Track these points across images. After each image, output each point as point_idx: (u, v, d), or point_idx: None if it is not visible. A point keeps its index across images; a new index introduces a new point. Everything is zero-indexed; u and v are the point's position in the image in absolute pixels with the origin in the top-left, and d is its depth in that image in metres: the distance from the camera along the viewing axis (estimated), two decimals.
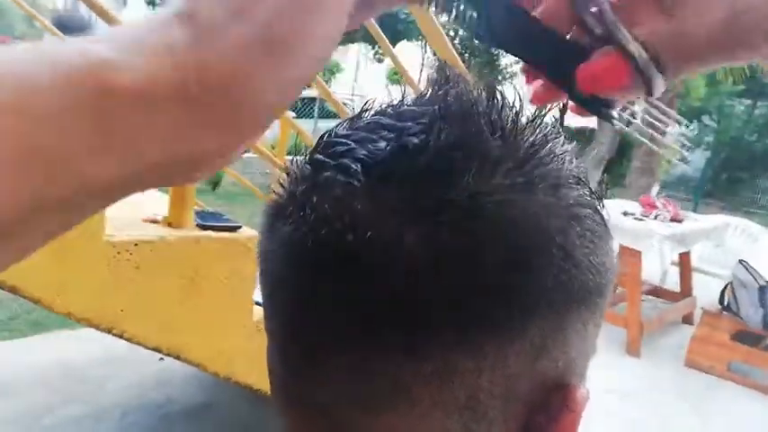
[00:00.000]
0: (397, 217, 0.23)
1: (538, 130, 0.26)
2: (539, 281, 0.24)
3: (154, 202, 1.57)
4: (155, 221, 1.47)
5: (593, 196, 0.27)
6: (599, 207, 0.27)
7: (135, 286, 1.33)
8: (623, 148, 9.45)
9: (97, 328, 1.29)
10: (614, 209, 4.11)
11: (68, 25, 3.78)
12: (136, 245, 1.33)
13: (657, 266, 4.26)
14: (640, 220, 3.81)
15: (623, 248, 3.71)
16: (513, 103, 0.27)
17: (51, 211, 0.17)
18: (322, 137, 0.27)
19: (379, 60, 13.52)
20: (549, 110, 0.28)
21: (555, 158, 0.26)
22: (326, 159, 0.26)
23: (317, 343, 0.26)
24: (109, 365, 2.70)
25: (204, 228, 1.49)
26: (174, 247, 1.38)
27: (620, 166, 10.08)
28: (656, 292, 4.50)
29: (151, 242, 1.35)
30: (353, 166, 0.24)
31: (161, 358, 2.54)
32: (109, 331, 1.29)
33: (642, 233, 3.56)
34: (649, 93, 0.25)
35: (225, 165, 0.20)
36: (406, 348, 0.24)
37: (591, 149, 8.44)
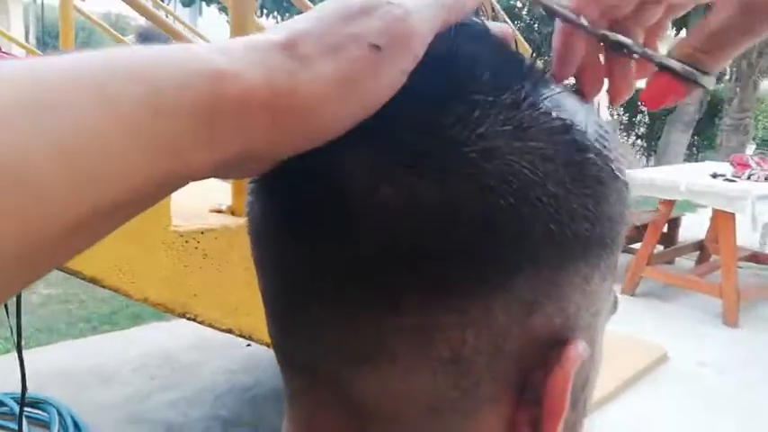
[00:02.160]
0: (373, 169, 0.23)
1: (530, 73, 0.25)
2: (524, 234, 0.23)
3: (218, 193, 1.64)
4: (219, 211, 1.55)
5: (599, 140, 0.25)
6: (604, 150, 0.25)
7: (204, 272, 1.40)
8: (713, 108, 8.81)
9: (172, 312, 1.37)
10: (702, 171, 3.85)
11: (151, 38, 3.98)
12: (202, 233, 1.40)
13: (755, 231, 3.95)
14: (731, 181, 3.54)
15: (715, 212, 3.48)
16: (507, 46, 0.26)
17: (155, 190, 0.20)
18: None
19: None
20: (538, 56, 0.28)
21: (549, 101, 0.25)
22: None
23: (300, 301, 0.26)
24: (200, 353, 2.88)
25: None
26: (237, 234, 1.45)
27: (710, 126, 9.40)
28: (755, 257, 4.17)
29: (215, 230, 1.42)
30: None
31: (248, 344, 2.68)
32: (183, 315, 1.38)
33: (734, 194, 3.30)
34: (703, 87, 0.28)
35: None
36: (384, 303, 0.24)
37: (679, 111, 7.93)
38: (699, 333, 3.29)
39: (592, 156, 0.25)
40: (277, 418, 0.29)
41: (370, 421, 0.26)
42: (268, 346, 1.58)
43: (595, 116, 0.27)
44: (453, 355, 0.24)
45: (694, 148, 9.70)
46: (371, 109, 0.23)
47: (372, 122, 0.23)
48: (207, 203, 1.60)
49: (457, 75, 0.24)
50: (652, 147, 10.14)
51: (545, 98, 0.25)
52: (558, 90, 0.26)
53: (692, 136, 8.56)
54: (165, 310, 1.36)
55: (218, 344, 2.83)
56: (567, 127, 0.24)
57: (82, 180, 0.17)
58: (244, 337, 1.51)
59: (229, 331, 1.48)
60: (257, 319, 1.51)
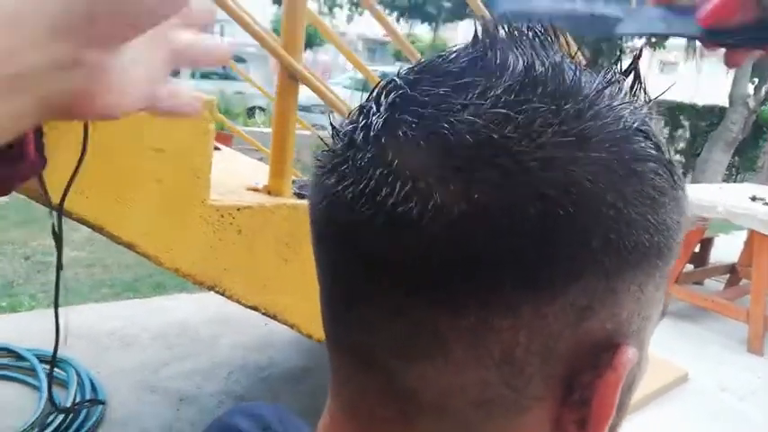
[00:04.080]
0: (436, 172, 0.23)
1: (592, 82, 0.25)
2: (584, 243, 0.23)
3: (257, 172, 1.65)
4: (256, 190, 1.55)
5: (660, 149, 0.25)
6: (665, 160, 0.25)
7: (237, 248, 1.41)
8: (757, 129, 8.60)
9: (201, 284, 1.38)
10: (741, 193, 3.76)
11: None
12: (238, 209, 1.41)
13: None
14: None
15: (751, 235, 3.40)
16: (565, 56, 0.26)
17: None
18: (375, 87, 0.28)
19: None
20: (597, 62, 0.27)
21: (611, 110, 0.24)
22: (372, 111, 0.26)
23: (355, 295, 0.27)
24: (219, 327, 2.91)
25: (301, 197, 1.55)
26: (272, 214, 1.45)
27: (753, 147, 9.18)
28: None
29: (251, 208, 1.43)
30: (402, 116, 0.25)
31: (266, 324, 2.71)
32: (212, 288, 1.39)
33: None
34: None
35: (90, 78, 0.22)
36: (441, 305, 0.24)
37: (722, 130, 7.75)
38: (722, 358, 3.22)
39: (653, 165, 0.25)
40: (290, 398, 0.29)
41: (417, 410, 0.27)
42: (291, 327, 1.59)
43: (654, 124, 0.26)
44: (506, 355, 0.25)
45: (734, 169, 9.49)
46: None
47: (434, 127, 0.23)
48: (244, 181, 1.60)
49: (518, 83, 0.24)
50: (690, 164, 9.95)
51: (608, 108, 0.24)
52: (620, 100, 0.25)
53: (733, 156, 8.37)
54: (195, 282, 1.37)
55: (237, 320, 2.86)
56: (629, 137, 0.24)
57: None
58: (269, 315, 1.52)
59: (255, 308, 1.49)
60: (284, 299, 1.51)
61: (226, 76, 8.87)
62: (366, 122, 0.26)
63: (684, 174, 10.32)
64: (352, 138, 0.26)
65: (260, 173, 1.65)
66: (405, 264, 0.24)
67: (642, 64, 0.27)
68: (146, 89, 0.25)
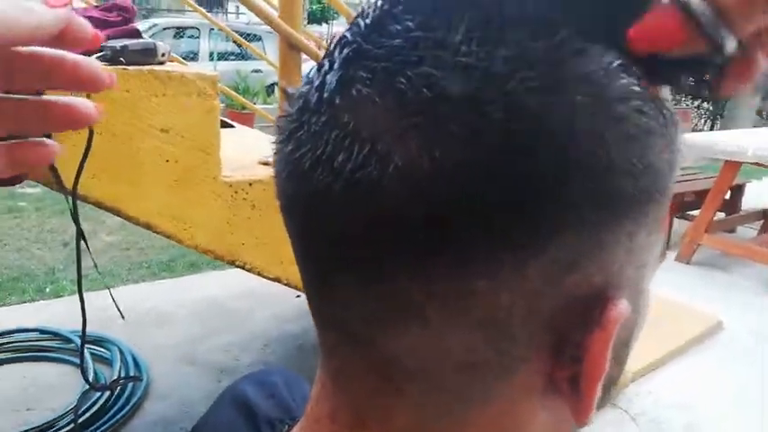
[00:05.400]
0: (395, 131, 0.21)
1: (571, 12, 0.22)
2: (559, 196, 0.21)
3: (267, 145, 1.67)
4: (267, 163, 1.58)
5: (646, 85, 0.22)
6: (652, 96, 0.23)
7: (252, 222, 1.44)
8: None
9: (221, 259, 1.42)
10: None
11: None
12: (250, 184, 1.43)
13: None
14: None
15: None
16: None
17: None
18: (330, 42, 0.26)
19: None
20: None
21: (589, 50, 0.21)
22: (325, 69, 0.24)
23: (325, 264, 0.25)
24: (252, 301, 2.99)
25: None
26: None
27: None
28: None
29: (263, 181, 1.45)
30: (356, 73, 0.23)
31: (297, 295, 2.77)
32: (232, 263, 1.43)
33: None
34: (716, 48, 0.21)
35: None
36: (413, 269, 0.22)
37: None
38: (756, 304, 3.16)
39: (636, 103, 0.22)
40: None
41: (403, 378, 0.26)
42: None
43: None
44: (488, 318, 0.23)
45: (765, 114, 9.09)
46: None
47: (389, 82, 0.21)
48: (256, 156, 1.63)
49: (480, 26, 0.21)
50: (718, 110, 9.57)
51: (578, 46, 0.21)
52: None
53: (763, 100, 8.00)
54: (215, 257, 1.41)
55: (269, 294, 2.93)
56: (609, 73, 0.21)
57: None
58: (291, 286, 1.56)
59: (277, 280, 1.52)
60: None
61: (243, 56, 8.87)
62: (320, 82, 0.24)
63: (713, 121, 9.93)
64: (306, 100, 0.24)
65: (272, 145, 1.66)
66: (369, 233, 0.22)
67: None
68: None
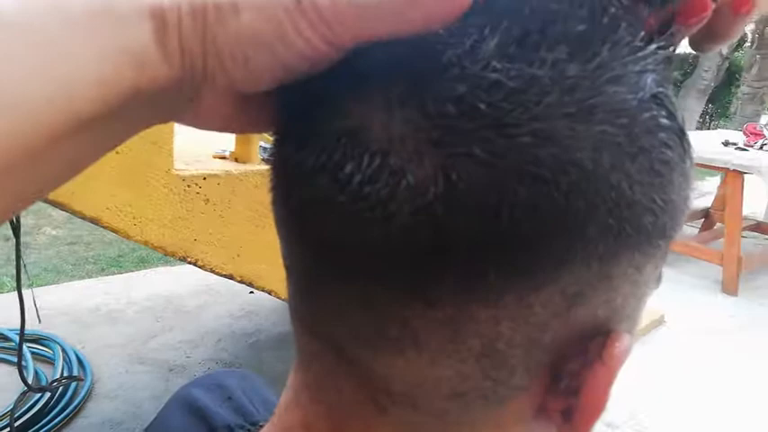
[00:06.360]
0: (410, 146, 0.20)
1: (609, 44, 0.20)
2: (577, 230, 0.20)
3: (222, 138, 1.64)
4: (223, 157, 1.55)
5: (674, 117, 0.21)
6: (677, 129, 0.22)
7: (206, 217, 1.41)
8: (730, 76, 8.60)
9: (173, 255, 1.39)
10: (714, 139, 3.80)
11: None
12: (204, 178, 1.40)
13: (762, 200, 3.92)
14: (743, 150, 3.49)
15: (725, 178, 3.45)
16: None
17: None
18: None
19: None
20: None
21: (626, 72, 0.20)
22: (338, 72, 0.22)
23: (318, 275, 0.24)
24: (204, 298, 2.93)
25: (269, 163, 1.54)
26: (240, 181, 1.45)
27: (726, 94, 9.18)
28: (759, 228, 4.14)
29: (217, 176, 1.42)
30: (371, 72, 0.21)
31: (251, 291, 2.73)
32: (184, 259, 1.39)
33: (744, 164, 3.27)
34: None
35: None
36: (413, 292, 0.21)
37: (695, 78, 7.76)
38: (697, 299, 3.31)
39: (663, 136, 0.21)
40: (277, 363, 0.29)
41: (386, 398, 0.25)
42: (270, 293, 1.61)
43: (667, 83, 0.22)
44: (486, 347, 0.22)
45: (708, 117, 9.52)
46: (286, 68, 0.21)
47: (412, 89, 0.20)
48: (210, 149, 1.59)
49: (514, 40, 0.20)
50: None
51: (621, 65, 0.20)
52: (639, 56, 0.20)
53: (706, 104, 8.39)
54: (166, 254, 1.38)
55: (222, 290, 2.88)
56: (642, 105, 0.20)
57: (47, 87, 0.18)
58: (244, 283, 1.53)
59: (230, 277, 1.50)
60: (259, 267, 1.52)
61: None
62: (332, 74, 0.21)
63: None
64: (313, 95, 0.22)
65: (227, 139, 1.63)
66: (370, 250, 0.21)
67: None
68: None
